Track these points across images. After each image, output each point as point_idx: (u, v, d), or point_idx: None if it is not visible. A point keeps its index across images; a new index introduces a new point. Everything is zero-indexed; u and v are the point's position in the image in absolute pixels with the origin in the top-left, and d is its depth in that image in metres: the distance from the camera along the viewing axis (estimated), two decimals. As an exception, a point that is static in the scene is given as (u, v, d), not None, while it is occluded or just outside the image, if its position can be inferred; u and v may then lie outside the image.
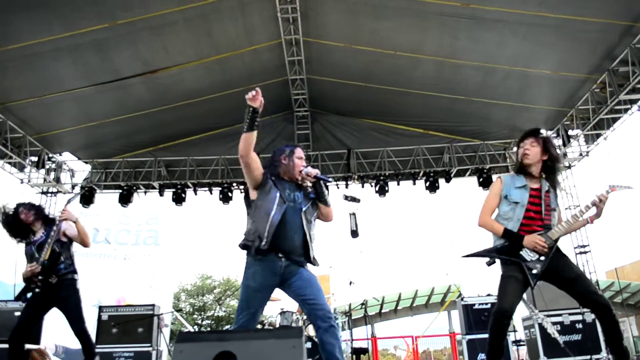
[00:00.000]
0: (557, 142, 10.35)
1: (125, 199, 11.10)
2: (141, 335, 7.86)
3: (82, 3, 7.17)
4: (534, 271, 3.54)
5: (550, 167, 3.81)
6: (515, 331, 8.23)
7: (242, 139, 3.65)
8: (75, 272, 5.06)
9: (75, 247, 5.23)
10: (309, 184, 3.90)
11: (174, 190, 11.16)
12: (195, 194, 11.41)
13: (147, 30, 7.94)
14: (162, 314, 8.24)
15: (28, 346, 7.12)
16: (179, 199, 11.14)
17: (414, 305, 25.25)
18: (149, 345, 7.78)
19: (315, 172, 3.86)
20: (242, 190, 11.27)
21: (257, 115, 3.60)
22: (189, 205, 11.46)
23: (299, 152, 4.00)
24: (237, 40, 8.86)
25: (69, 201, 5.24)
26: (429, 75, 9.39)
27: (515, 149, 3.85)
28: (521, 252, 3.60)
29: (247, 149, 3.67)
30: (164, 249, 13.52)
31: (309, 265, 3.85)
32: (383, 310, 24.95)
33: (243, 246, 3.74)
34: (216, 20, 8.23)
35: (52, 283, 4.84)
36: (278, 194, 3.75)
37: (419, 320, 24.54)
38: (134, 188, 11.24)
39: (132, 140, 10.98)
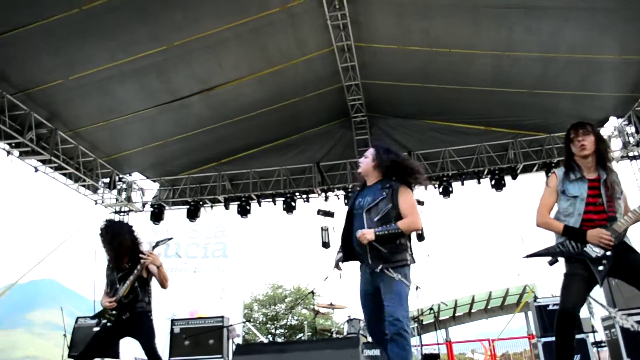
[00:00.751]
0: (630, 129, 9.80)
1: (192, 214, 11.45)
2: (212, 347, 8.06)
3: (139, 28, 7.51)
4: (600, 268, 3.31)
5: (604, 154, 3.60)
6: (595, 332, 7.79)
7: None
8: (150, 311, 4.83)
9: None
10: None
11: (238, 202, 11.41)
12: (260, 205, 11.61)
13: (201, 50, 8.20)
14: (231, 325, 8.40)
15: (107, 360, 7.47)
16: (244, 211, 11.37)
17: (489, 307, 24.63)
18: (220, 356, 7.96)
19: (367, 239, 3.64)
20: (306, 200, 11.36)
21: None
22: (254, 217, 11.68)
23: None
24: (289, 52, 8.97)
25: (157, 244, 4.86)
26: (486, 70, 9.14)
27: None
28: (585, 249, 3.38)
29: None
30: (232, 260, 13.80)
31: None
32: (457, 314, 24.49)
33: None
34: (267, 33, 8.37)
35: (125, 318, 4.69)
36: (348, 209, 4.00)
37: (494, 323, 23.89)
38: (201, 203, 11.57)
39: (196, 156, 11.32)
